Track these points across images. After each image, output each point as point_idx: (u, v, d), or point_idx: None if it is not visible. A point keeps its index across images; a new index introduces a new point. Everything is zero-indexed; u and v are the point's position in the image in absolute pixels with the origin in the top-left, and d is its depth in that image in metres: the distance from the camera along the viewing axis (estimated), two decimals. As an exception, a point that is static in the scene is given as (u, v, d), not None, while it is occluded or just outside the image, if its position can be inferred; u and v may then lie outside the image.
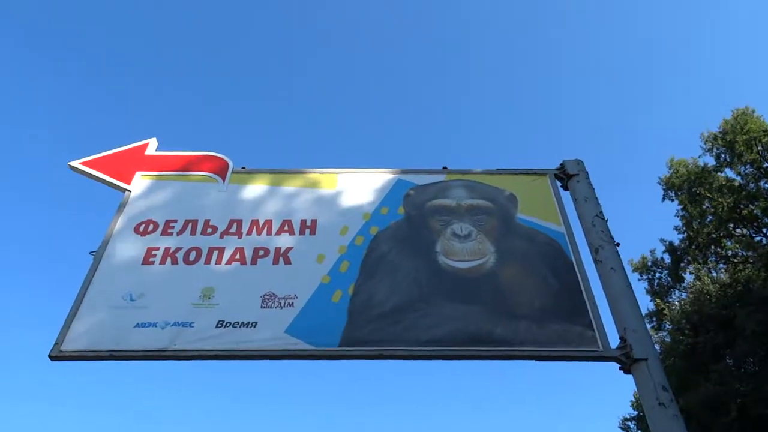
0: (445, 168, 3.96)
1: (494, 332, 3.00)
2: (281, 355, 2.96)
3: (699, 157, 17.87)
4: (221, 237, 3.49)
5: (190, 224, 3.56)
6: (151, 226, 3.55)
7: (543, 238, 3.50)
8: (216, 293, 3.17)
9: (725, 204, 16.41)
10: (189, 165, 3.96)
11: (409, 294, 3.20)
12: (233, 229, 3.53)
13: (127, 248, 3.43)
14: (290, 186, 3.83)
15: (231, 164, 3.93)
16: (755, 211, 16.34)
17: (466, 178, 3.88)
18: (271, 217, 3.61)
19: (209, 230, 3.53)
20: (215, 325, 3.01)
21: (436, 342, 2.97)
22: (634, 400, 17.90)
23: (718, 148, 17.37)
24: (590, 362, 2.96)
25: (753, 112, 16.83)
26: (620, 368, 2.88)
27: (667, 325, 16.24)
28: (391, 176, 3.91)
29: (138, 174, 3.87)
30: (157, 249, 3.41)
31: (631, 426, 17.91)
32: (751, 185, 16.52)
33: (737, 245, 16.89)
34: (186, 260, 3.35)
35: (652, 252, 18.39)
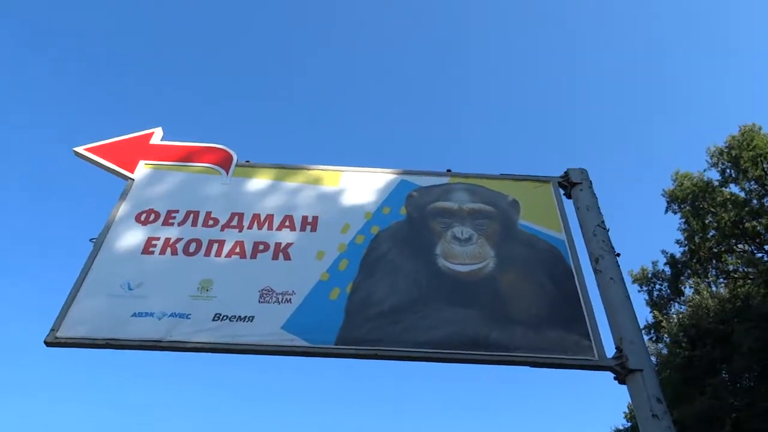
0: (448, 171, 3.95)
1: (491, 337, 2.99)
2: (277, 351, 2.95)
3: (704, 171, 17.89)
4: (222, 230, 3.49)
5: (192, 215, 3.56)
6: (152, 216, 3.55)
7: (543, 245, 3.50)
8: (214, 286, 3.17)
9: (728, 218, 16.39)
10: (193, 156, 3.96)
11: (407, 295, 3.19)
12: (234, 222, 3.53)
13: (128, 237, 3.43)
14: (293, 182, 3.83)
15: (235, 157, 3.93)
16: (758, 228, 16.31)
17: (469, 182, 3.88)
18: (272, 211, 3.61)
19: (210, 222, 3.53)
20: (212, 318, 3.01)
21: (433, 344, 2.96)
22: (627, 411, 17.89)
23: (723, 163, 17.37)
24: (585, 371, 2.96)
25: (760, 129, 16.84)
26: (615, 378, 2.88)
27: (666, 338, 16.21)
28: (394, 176, 3.90)
29: (142, 163, 3.87)
30: (158, 239, 3.41)
31: (624, 437, 17.88)
32: (755, 201, 16.50)
33: (738, 261, 16.87)
34: (186, 251, 3.35)
35: (654, 264, 18.40)
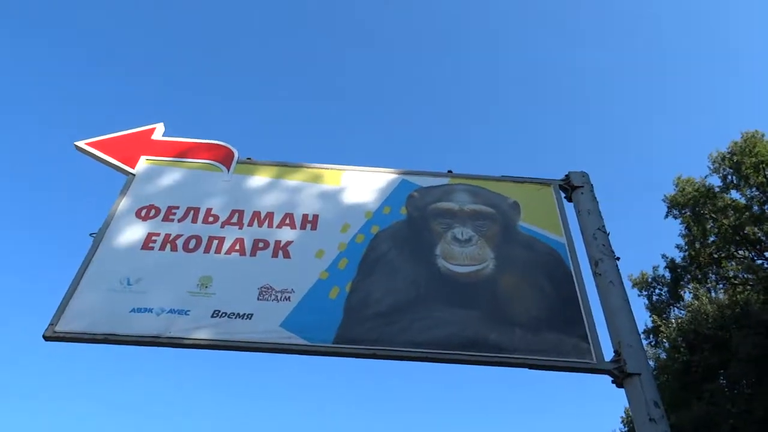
0: (450, 172, 3.95)
1: (489, 338, 2.99)
2: (275, 349, 2.95)
3: (705, 177, 17.88)
4: (222, 226, 3.49)
5: (192, 212, 3.56)
6: (152, 212, 3.55)
7: (543, 248, 3.50)
8: (213, 283, 3.17)
9: (729, 224, 16.38)
10: (194, 152, 3.95)
11: (406, 295, 3.19)
12: (234, 219, 3.53)
13: (128, 232, 3.43)
14: (294, 180, 3.83)
15: (236, 154, 3.93)
16: (759, 234, 16.31)
17: (470, 183, 3.88)
18: (273, 209, 3.61)
19: (210, 219, 3.53)
20: (211, 315, 3.01)
21: (431, 344, 2.96)
22: (624, 416, 17.88)
23: (724, 169, 17.37)
24: (583, 374, 2.96)
25: (762, 136, 16.83)
26: (613, 382, 2.88)
27: (664, 343, 16.21)
28: (395, 176, 3.90)
29: (143, 158, 3.87)
30: (158, 235, 3.41)
31: (621, 441, 17.87)
32: (756, 208, 16.50)
33: (738, 267, 16.86)
34: (185, 248, 3.35)
35: (655, 268, 18.38)
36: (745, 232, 16.45)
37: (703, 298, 15.53)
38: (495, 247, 3.46)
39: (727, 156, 17.23)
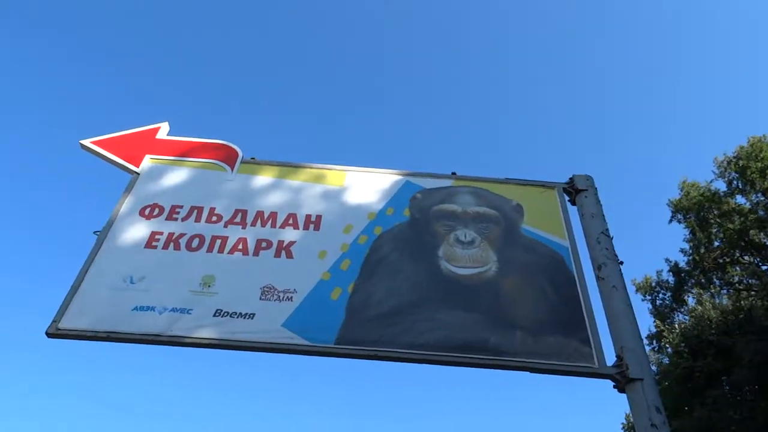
0: (453, 174, 3.95)
1: (490, 341, 2.98)
2: (277, 349, 2.95)
3: (711, 181, 17.80)
4: (225, 226, 3.49)
5: (196, 211, 3.56)
6: (156, 210, 3.56)
7: (546, 251, 3.49)
8: (216, 282, 3.17)
9: (734, 229, 16.31)
10: (199, 151, 3.96)
11: (408, 296, 3.19)
12: (238, 219, 3.54)
13: (131, 230, 3.43)
14: (298, 180, 3.83)
15: (241, 154, 3.93)
16: (764, 240, 16.23)
17: (473, 185, 3.87)
18: (276, 209, 3.61)
19: (214, 218, 3.53)
20: (213, 314, 3.01)
21: (432, 346, 2.95)
22: (625, 421, 17.81)
23: (730, 174, 17.29)
24: (585, 378, 2.94)
25: (769, 140, 16.74)
26: (615, 386, 2.86)
27: (667, 348, 16.14)
28: (398, 178, 3.90)
29: (147, 157, 3.88)
30: (161, 233, 3.42)
31: (622, 446, 17.81)
32: (761, 212, 16.42)
33: (743, 273, 16.78)
34: (189, 247, 3.36)
35: (659, 273, 18.31)
36: (750, 237, 16.37)
37: (707, 303, 15.47)
38: (498, 249, 3.45)
39: (733, 160, 17.16)
